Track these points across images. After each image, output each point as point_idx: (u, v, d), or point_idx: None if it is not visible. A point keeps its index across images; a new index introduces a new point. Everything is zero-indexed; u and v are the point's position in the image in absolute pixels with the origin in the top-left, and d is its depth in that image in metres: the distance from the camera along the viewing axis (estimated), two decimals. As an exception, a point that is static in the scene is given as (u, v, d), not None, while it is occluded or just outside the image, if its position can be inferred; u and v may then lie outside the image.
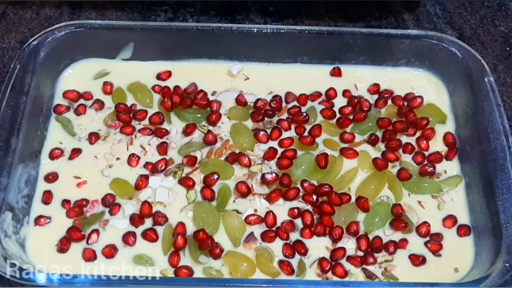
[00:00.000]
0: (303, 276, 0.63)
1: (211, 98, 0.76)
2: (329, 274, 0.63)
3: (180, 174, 0.69)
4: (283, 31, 0.75)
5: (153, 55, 0.78)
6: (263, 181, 0.69)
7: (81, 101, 0.75)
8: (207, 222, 0.65)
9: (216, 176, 0.68)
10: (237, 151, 0.71)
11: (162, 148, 0.71)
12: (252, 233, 0.65)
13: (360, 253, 0.65)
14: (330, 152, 0.71)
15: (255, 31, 0.74)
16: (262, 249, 0.64)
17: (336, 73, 0.79)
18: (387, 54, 0.78)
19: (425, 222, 0.66)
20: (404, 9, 0.91)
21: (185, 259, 0.64)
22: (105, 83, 0.76)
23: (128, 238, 0.64)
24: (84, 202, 0.67)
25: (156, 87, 0.76)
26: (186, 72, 0.78)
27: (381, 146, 0.73)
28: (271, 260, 0.64)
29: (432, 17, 0.90)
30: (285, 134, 0.73)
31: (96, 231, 0.65)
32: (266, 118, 0.75)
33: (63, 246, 0.64)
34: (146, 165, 0.70)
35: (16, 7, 0.88)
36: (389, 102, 0.77)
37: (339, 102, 0.77)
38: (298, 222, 0.66)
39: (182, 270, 0.62)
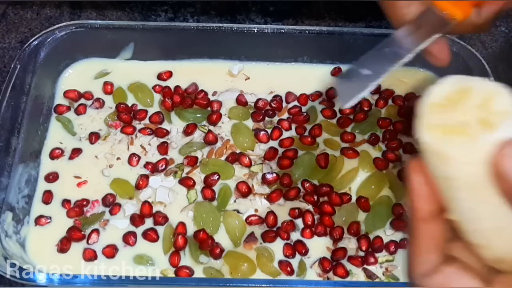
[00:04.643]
0: (304, 276, 0.63)
1: (211, 98, 0.76)
2: (330, 274, 0.63)
3: (180, 174, 0.69)
4: (283, 31, 0.75)
5: (154, 55, 0.78)
6: (264, 181, 0.69)
7: (82, 100, 0.75)
8: (207, 222, 0.65)
9: (216, 176, 0.68)
10: (237, 151, 0.71)
11: (163, 148, 0.71)
12: (252, 233, 0.65)
13: (361, 253, 0.65)
14: (331, 152, 0.71)
15: (255, 31, 0.74)
16: (263, 249, 0.64)
17: (337, 73, 0.79)
18: (387, 54, 0.78)
19: (425, 222, 0.66)
20: (404, 9, 0.90)
21: (186, 259, 0.64)
22: (106, 83, 0.76)
23: (128, 238, 0.64)
24: (85, 202, 0.67)
25: (157, 87, 0.76)
26: (187, 72, 0.78)
27: (382, 146, 0.73)
28: (272, 260, 0.64)
29: (432, 17, 0.90)
30: (285, 134, 0.73)
31: (97, 231, 0.65)
32: (266, 118, 0.75)
33: (63, 246, 0.63)
34: (147, 165, 0.70)
35: (16, 7, 0.88)
36: (390, 102, 0.77)
37: (340, 102, 0.77)
38: (299, 222, 0.66)
39: (182, 270, 0.62)
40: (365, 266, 0.64)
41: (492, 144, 0.27)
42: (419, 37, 0.41)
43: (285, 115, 0.75)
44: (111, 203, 0.67)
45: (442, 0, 0.41)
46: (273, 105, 0.75)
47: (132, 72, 0.77)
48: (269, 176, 0.68)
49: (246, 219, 0.66)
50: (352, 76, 0.40)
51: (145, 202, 0.67)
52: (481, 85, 0.30)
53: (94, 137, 0.71)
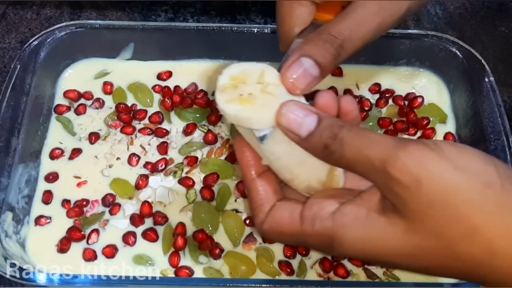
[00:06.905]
0: (304, 276, 0.63)
1: (211, 98, 0.76)
2: (331, 274, 0.63)
3: (180, 173, 0.69)
4: (283, 31, 0.74)
5: (154, 55, 0.78)
6: (264, 181, 0.68)
7: (82, 100, 0.75)
8: (206, 222, 0.65)
9: (216, 176, 0.68)
10: (237, 151, 0.71)
11: (163, 148, 0.71)
12: (251, 234, 0.65)
13: (361, 253, 0.64)
14: (331, 151, 0.71)
15: (255, 31, 0.74)
16: (262, 249, 0.64)
17: (337, 72, 0.78)
18: (387, 54, 0.78)
19: (426, 222, 0.66)
20: (404, 9, 0.90)
21: (185, 259, 0.64)
22: (106, 83, 0.76)
23: (128, 238, 0.64)
24: (84, 202, 0.67)
25: (157, 87, 0.76)
26: (187, 72, 0.78)
27: (382, 146, 0.73)
28: (272, 261, 0.64)
29: (432, 17, 0.90)
30: (285, 134, 0.73)
31: (96, 231, 0.65)
32: (266, 118, 0.74)
33: (63, 246, 0.64)
34: (146, 165, 0.70)
35: (16, 7, 0.88)
36: (390, 101, 0.77)
37: (340, 102, 0.76)
38: (299, 222, 0.66)
39: (182, 270, 0.62)
40: (365, 266, 0.64)
41: (274, 106, 0.39)
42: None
43: (285, 115, 0.75)
44: (111, 203, 0.67)
45: (319, 13, 0.48)
46: (273, 105, 0.75)
47: (132, 72, 0.77)
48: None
49: (245, 219, 0.66)
50: None
51: (145, 202, 0.67)
52: (253, 66, 0.43)
53: (94, 137, 0.71)
